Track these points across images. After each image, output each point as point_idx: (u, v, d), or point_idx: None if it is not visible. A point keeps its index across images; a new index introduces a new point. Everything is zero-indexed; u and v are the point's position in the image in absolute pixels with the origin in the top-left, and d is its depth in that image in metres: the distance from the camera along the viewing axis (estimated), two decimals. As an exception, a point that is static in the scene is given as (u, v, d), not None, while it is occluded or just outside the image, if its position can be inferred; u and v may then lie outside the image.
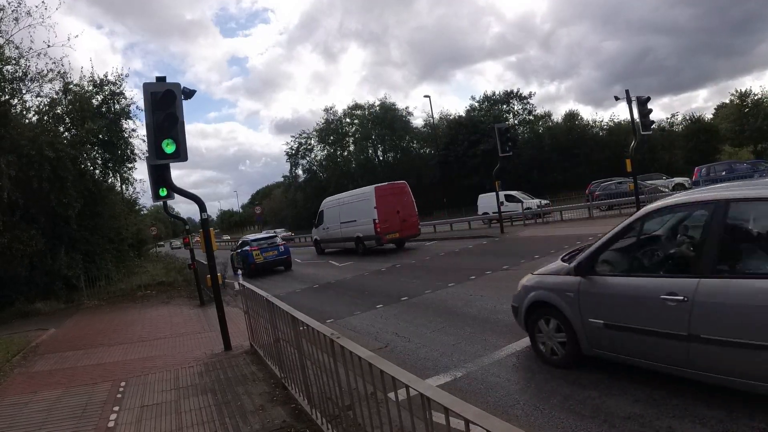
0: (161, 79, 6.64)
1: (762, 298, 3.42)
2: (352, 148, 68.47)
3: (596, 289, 4.68)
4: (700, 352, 3.81)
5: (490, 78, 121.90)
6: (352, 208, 21.59)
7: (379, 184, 21.26)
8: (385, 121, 64.00)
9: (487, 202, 28.82)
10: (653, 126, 17.05)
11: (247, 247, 20.34)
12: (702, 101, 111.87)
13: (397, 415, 2.74)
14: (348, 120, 68.02)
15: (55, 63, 16.20)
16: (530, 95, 61.87)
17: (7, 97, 14.78)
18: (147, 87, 6.51)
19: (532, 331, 5.50)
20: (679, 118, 59.58)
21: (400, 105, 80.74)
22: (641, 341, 4.27)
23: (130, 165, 18.48)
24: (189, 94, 7.03)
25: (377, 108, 65.87)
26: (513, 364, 5.51)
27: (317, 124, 69.75)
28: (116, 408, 5.70)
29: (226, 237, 68.90)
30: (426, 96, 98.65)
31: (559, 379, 4.87)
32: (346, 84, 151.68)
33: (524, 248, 15.09)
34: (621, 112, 56.65)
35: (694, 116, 55.19)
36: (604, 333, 4.60)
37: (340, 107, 72.24)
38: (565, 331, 5.03)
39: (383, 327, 8.20)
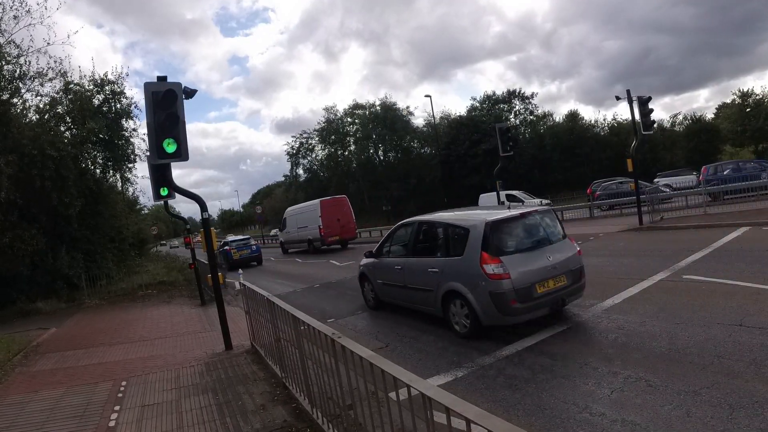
0: (162, 79, 6.63)
1: (413, 267, 7.78)
2: (352, 147, 68.39)
3: (380, 264, 9.02)
4: (410, 294, 8.00)
5: (491, 77, 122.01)
6: (305, 216, 26.74)
7: (324, 198, 27.22)
8: (385, 120, 63.87)
9: (488, 201, 28.77)
10: (654, 126, 17.02)
11: (227, 247, 24.89)
12: (703, 101, 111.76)
13: (398, 415, 2.74)
14: (349, 119, 67.93)
15: (55, 61, 16.20)
16: (533, 95, 61.85)
17: (7, 96, 14.76)
18: (148, 86, 6.50)
19: (362, 289, 10.04)
20: (680, 117, 59.53)
21: (401, 104, 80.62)
22: (394, 290, 8.57)
23: (130, 165, 18.45)
24: (190, 93, 7.02)
25: (378, 108, 65.80)
26: (514, 364, 5.51)
27: (318, 123, 69.71)
28: (117, 407, 5.70)
29: (233, 238, 68.72)
30: (427, 96, 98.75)
31: (561, 379, 4.88)
32: (347, 83, 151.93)
33: (525, 248, 15.06)
34: (622, 112, 56.62)
35: (695, 116, 55.10)
36: (383, 288, 9.00)
37: (341, 106, 72.40)
38: (372, 288, 9.46)
39: (384, 327, 8.19)
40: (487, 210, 7.83)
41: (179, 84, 6.68)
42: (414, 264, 7.86)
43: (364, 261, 9.70)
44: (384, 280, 8.90)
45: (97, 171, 18.13)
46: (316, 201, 26.80)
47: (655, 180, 29.24)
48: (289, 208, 31.01)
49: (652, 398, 4.19)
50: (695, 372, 4.54)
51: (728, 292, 6.85)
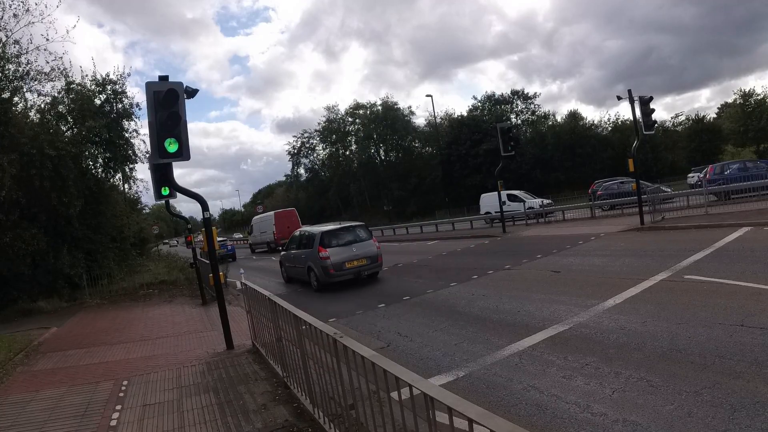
0: (164, 79, 6.64)
1: (297, 255, 14.39)
2: (354, 147, 68.47)
3: (287, 255, 15.45)
4: (297, 270, 14.55)
5: (492, 77, 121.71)
6: (265, 224, 35.22)
7: (278, 210, 36.30)
8: (387, 120, 63.94)
9: (489, 201, 28.80)
10: (656, 126, 16.99)
11: None
12: (705, 101, 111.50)
13: (399, 415, 2.74)
14: (350, 119, 68.02)
15: (55, 59, 16.16)
16: (535, 95, 61.80)
17: (8, 95, 14.74)
18: (150, 86, 6.51)
19: (281, 270, 16.28)
20: (682, 117, 59.41)
21: (402, 104, 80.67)
22: (292, 269, 15.15)
23: (132, 165, 18.40)
24: (191, 93, 7.03)
25: (379, 107, 65.84)
26: (515, 364, 5.50)
27: (318, 123, 69.87)
28: (118, 407, 5.70)
29: (238, 236, 69.11)
30: (428, 95, 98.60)
31: (562, 379, 4.87)
32: (348, 83, 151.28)
33: (526, 248, 15.08)
34: (624, 112, 56.59)
35: (698, 116, 54.97)
36: (288, 268, 15.49)
37: (342, 106, 72.39)
38: (285, 269, 15.88)
39: (385, 326, 8.19)
40: (326, 225, 15.01)
41: (181, 84, 6.70)
42: (298, 253, 14.41)
43: (281, 254, 16.66)
44: (288, 264, 15.50)
45: (99, 170, 18.11)
46: (272, 213, 35.65)
47: (690, 175, 29.10)
48: (255, 218, 39.60)
49: (653, 398, 4.19)
50: (696, 372, 4.53)
51: (730, 292, 6.85)
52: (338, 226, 13.62)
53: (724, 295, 6.73)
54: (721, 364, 4.62)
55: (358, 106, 67.82)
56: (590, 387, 4.61)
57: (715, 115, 58.78)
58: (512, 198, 28.71)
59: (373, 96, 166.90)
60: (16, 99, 15.42)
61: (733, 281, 7.35)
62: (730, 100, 56.99)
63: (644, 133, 16.03)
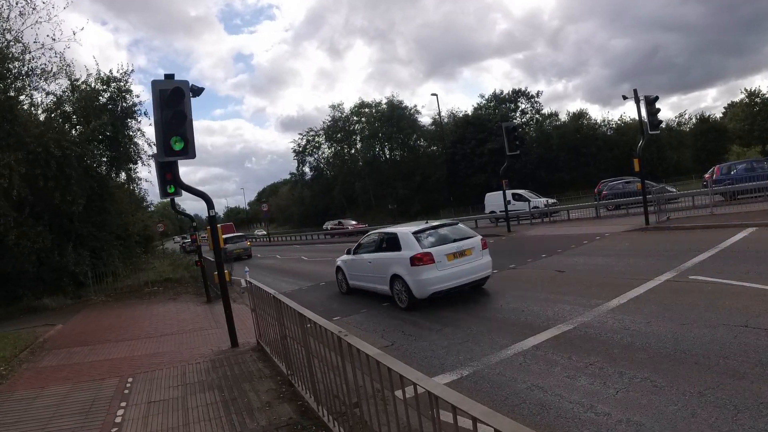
0: (170, 77, 6.67)
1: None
2: (359, 145, 68.48)
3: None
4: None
5: (497, 75, 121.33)
6: None
7: (222, 224, 42.36)
8: (392, 119, 63.83)
9: (494, 200, 28.73)
10: (661, 125, 16.93)
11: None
12: (711, 100, 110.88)
13: (404, 413, 2.75)
14: (355, 118, 67.99)
15: (60, 59, 16.17)
16: (538, 94, 61.57)
17: (13, 93, 14.78)
18: (156, 84, 6.54)
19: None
20: (688, 117, 59.18)
21: (408, 102, 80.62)
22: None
23: (134, 165, 18.40)
24: (197, 91, 7.04)
25: (384, 106, 65.77)
26: (519, 363, 5.51)
27: (323, 122, 69.90)
28: (123, 403, 5.74)
29: (259, 232, 70.41)
30: (433, 94, 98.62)
31: (566, 378, 4.88)
32: (353, 81, 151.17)
33: (531, 247, 15.06)
34: (629, 111, 56.39)
35: (703, 115, 54.71)
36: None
37: (347, 104, 72.35)
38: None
39: (390, 325, 8.20)
40: (230, 234, 33.10)
41: (186, 82, 6.72)
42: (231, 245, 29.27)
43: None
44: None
45: (103, 168, 18.14)
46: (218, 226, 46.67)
47: None
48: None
49: (657, 399, 4.19)
50: (700, 373, 4.53)
51: (734, 293, 6.83)
52: (233, 235, 32.58)
53: (729, 296, 6.71)
54: (725, 365, 4.61)
55: (363, 104, 67.82)
56: (594, 387, 4.61)
57: (721, 115, 58.58)
58: (517, 197, 28.64)
59: (377, 94, 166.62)
60: (21, 98, 15.47)
61: (737, 282, 7.32)
62: (736, 100, 56.83)
63: (650, 132, 15.96)
